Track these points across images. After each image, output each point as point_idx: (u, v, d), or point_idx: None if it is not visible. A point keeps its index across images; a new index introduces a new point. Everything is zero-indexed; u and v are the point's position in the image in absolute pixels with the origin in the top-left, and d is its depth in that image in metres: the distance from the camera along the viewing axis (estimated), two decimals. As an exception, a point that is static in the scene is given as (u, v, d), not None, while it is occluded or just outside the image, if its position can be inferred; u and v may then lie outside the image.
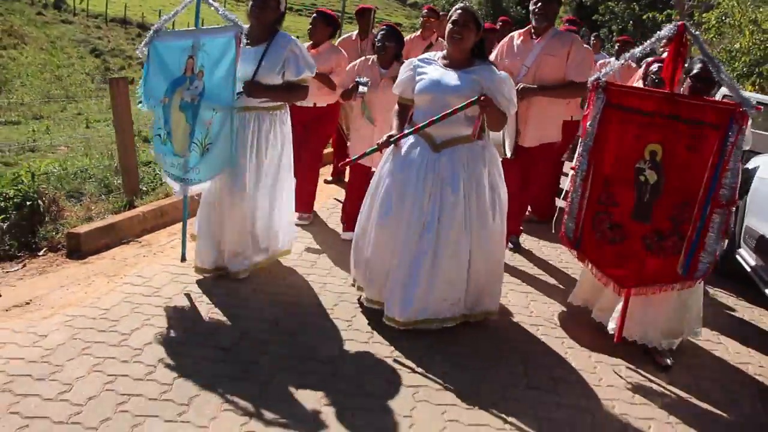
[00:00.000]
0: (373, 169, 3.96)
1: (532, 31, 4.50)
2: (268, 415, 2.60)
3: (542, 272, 4.68)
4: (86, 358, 2.88)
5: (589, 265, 3.54)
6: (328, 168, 6.77)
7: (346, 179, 5.75)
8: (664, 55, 5.41)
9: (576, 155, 3.48)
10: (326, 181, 6.55)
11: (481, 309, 3.60)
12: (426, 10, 6.65)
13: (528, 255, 4.98)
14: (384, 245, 3.46)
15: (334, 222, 5.25)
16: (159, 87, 3.74)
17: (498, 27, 6.78)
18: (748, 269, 4.41)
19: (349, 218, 4.72)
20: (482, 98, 3.19)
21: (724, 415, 3.05)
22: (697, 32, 3.27)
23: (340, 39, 6.20)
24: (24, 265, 3.95)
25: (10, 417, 2.43)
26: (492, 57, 4.52)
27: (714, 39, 12.22)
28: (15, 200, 4.33)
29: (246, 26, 3.63)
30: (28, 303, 3.42)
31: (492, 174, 3.48)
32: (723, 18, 12.02)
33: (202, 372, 2.85)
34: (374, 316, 3.54)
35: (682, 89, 3.39)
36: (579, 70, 4.31)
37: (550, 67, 4.37)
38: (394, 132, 3.45)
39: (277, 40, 3.74)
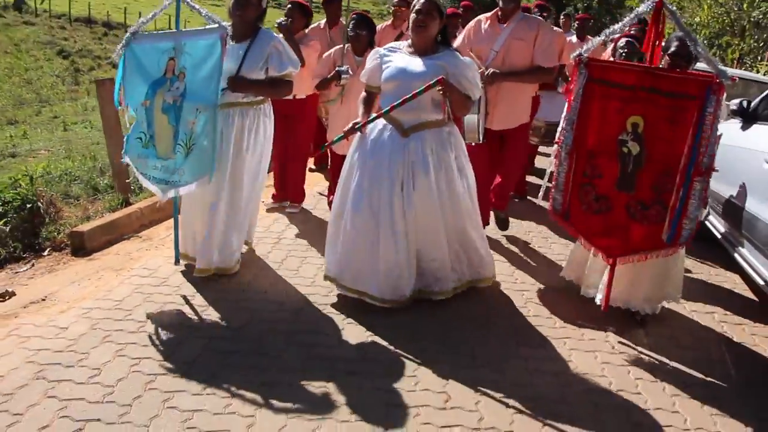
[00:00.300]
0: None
1: (499, 14, 4.45)
2: (283, 379, 2.84)
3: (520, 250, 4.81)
4: (109, 345, 3.08)
5: (579, 236, 3.67)
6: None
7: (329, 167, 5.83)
8: (632, 31, 5.59)
9: (560, 129, 3.57)
10: (310, 170, 6.57)
11: (478, 276, 3.78)
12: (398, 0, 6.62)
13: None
14: (361, 232, 3.51)
15: (322, 210, 5.35)
16: (138, 90, 3.73)
17: (461, 12, 6.82)
18: (719, 235, 4.51)
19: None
20: (440, 80, 3.25)
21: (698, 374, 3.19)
22: (674, 8, 3.38)
23: (308, 28, 6.20)
24: (32, 265, 4.10)
25: (49, 401, 2.62)
26: (459, 41, 4.56)
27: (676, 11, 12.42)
28: (14, 203, 4.44)
29: (228, 25, 3.65)
30: (43, 299, 3.57)
31: (459, 158, 3.60)
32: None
33: (220, 349, 3.07)
34: (351, 301, 3.62)
35: (662, 65, 3.49)
36: (546, 55, 4.35)
37: (518, 51, 4.36)
38: (358, 119, 3.51)
39: (260, 37, 3.78)
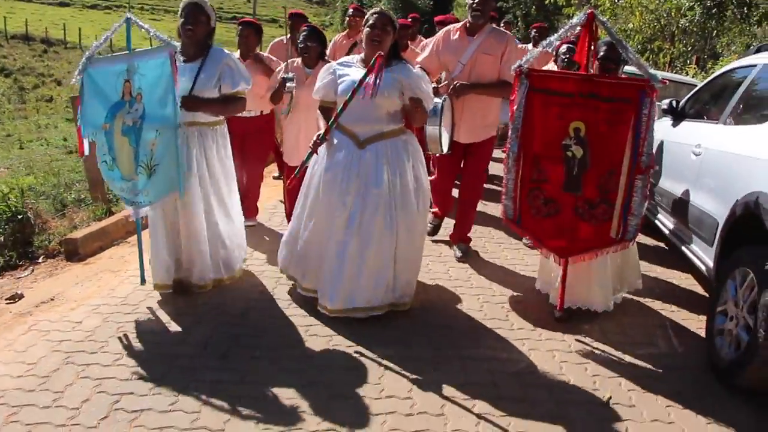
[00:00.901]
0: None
1: (467, 26, 4.42)
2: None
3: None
4: (123, 334, 3.36)
5: (531, 239, 3.77)
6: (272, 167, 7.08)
7: None
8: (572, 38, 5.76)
9: (508, 138, 3.67)
10: (274, 177, 6.86)
11: (406, 299, 3.72)
12: (352, 10, 6.72)
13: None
14: (314, 240, 3.59)
15: (276, 222, 5.38)
16: (97, 114, 3.69)
17: (410, 23, 6.92)
18: (667, 232, 4.68)
19: (289, 215, 4.77)
20: (378, 56, 3.28)
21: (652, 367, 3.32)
22: (605, 18, 3.51)
23: (271, 43, 6.23)
24: (32, 271, 4.33)
25: (83, 380, 2.89)
26: (427, 51, 4.59)
27: (609, 20, 12.89)
28: (6, 215, 4.65)
29: (178, 44, 3.63)
30: (52, 299, 3.81)
31: (416, 167, 3.63)
32: (616, 1, 12.69)
33: (227, 333, 3.38)
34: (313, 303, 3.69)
35: (592, 71, 3.62)
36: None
37: (485, 65, 4.35)
38: (321, 132, 3.53)
39: (211, 55, 3.77)
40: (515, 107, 3.57)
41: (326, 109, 3.66)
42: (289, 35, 5.91)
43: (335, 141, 3.54)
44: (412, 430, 2.61)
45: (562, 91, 3.50)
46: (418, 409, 2.75)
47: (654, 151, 3.53)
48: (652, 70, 3.48)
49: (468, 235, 4.85)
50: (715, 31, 10.05)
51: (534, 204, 3.64)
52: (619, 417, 2.79)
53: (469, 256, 4.72)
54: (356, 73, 3.50)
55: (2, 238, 4.49)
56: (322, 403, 2.76)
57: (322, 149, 3.55)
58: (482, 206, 5.63)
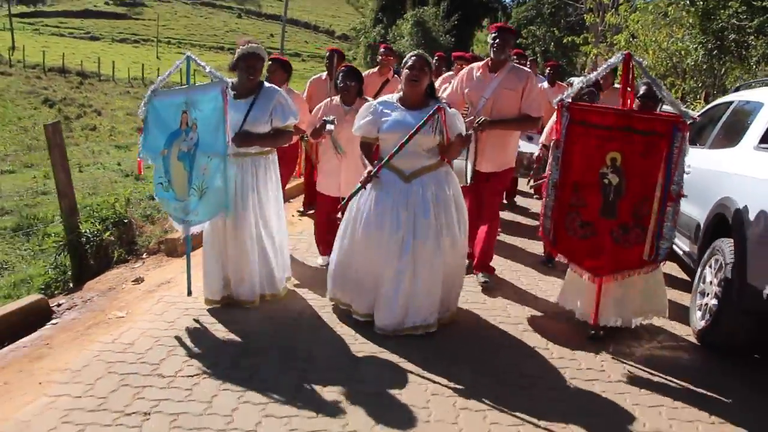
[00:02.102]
0: (341, 197, 4.27)
1: (490, 64, 4.60)
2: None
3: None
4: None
5: (566, 260, 3.95)
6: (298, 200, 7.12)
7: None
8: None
9: (548, 165, 3.88)
10: (300, 213, 6.71)
11: (449, 312, 3.93)
12: (383, 49, 6.89)
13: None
14: (368, 269, 3.77)
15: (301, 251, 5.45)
16: (158, 141, 3.97)
17: (435, 63, 7.11)
18: (681, 253, 4.86)
19: (320, 243, 4.97)
20: (438, 108, 3.56)
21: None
22: (642, 60, 3.75)
23: (310, 80, 6.37)
24: (143, 263, 5.11)
25: (212, 337, 3.63)
26: (451, 88, 4.80)
27: (624, 56, 13.21)
28: (114, 220, 5.32)
29: (231, 80, 3.89)
30: (168, 282, 4.55)
31: (456, 195, 3.85)
32: (631, 39, 12.99)
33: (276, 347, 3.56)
34: (366, 326, 3.82)
35: (634, 107, 3.85)
36: (534, 105, 4.50)
37: (507, 100, 4.49)
38: (370, 168, 3.73)
39: (264, 92, 4.01)
40: (558, 137, 3.78)
41: (367, 145, 3.88)
42: (326, 72, 6.16)
43: (382, 177, 3.73)
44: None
45: (600, 123, 3.71)
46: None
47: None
48: (684, 108, 3.70)
49: (491, 264, 4.83)
50: (723, 69, 10.31)
51: (571, 226, 3.83)
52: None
53: (491, 285, 4.68)
54: (398, 113, 3.72)
55: (114, 238, 5.23)
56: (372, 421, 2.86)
57: (370, 185, 3.75)
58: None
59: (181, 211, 3.93)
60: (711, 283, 3.93)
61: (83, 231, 4.91)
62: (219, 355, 3.41)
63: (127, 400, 2.90)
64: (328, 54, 6.28)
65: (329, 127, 4.53)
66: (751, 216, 3.59)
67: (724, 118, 4.93)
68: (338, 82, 4.78)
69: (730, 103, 5.03)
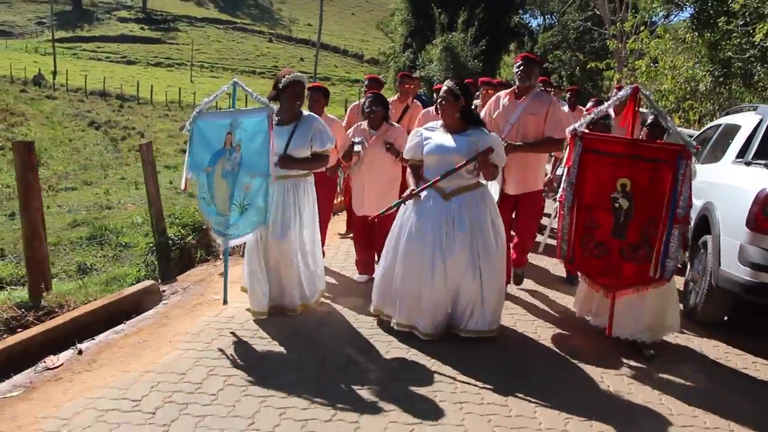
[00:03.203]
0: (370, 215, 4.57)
1: (516, 91, 4.86)
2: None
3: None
4: None
5: (582, 276, 4.26)
6: (339, 224, 7.42)
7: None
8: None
9: (561, 190, 4.21)
10: (341, 235, 7.01)
11: (494, 326, 4.20)
12: (401, 77, 7.07)
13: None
14: (411, 279, 4.06)
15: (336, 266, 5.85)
16: (203, 158, 4.24)
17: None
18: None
19: (360, 263, 5.31)
20: (480, 156, 3.91)
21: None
22: (648, 93, 4.08)
23: (351, 106, 6.60)
24: (223, 261, 5.04)
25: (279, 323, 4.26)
26: (483, 114, 5.05)
27: (646, 81, 13.49)
28: (192, 226, 6.01)
29: (275, 108, 4.27)
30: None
31: (492, 213, 4.17)
32: (651, 64, 13.29)
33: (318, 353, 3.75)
34: (405, 336, 4.11)
35: (641, 136, 4.17)
36: (556, 128, 4.69)
37: (531, 124, 4.75)
38: (413, 187, 4.13)
39: (304, 120, 4.38)
40: (571, 165, 4.11)
41: (415, 167, 4.26)
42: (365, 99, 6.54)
43: (424, 194, 4.10)
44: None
45: (611, 151, 4.03)
46: None
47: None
48: (687, 138, 4.02)
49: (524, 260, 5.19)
50: (729, 94, 10.66)
51: (587, 246, 4.13)
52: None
53: (522, 279, 5.21)
54: (438, 137, 4.12)
55: (194, 241, 5.97)
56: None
57: (411, 201, 4.14)
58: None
59: (222, 225, 4.23)
60: (698, 272, 4.86)
61: (169, 235, 5.63)
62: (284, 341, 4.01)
63: (238, 352, 3.80)
64: (367, 82, 6.59)
65: (357, 148, 4.87)
66: (722, 216, 4.56)
67: (713, 138, 5.86)
68: (365, 108, 5.11)
69: (719, 125, 5.97)
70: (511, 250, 5.00)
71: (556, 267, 6.06)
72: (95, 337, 4.02)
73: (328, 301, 4.79)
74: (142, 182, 11.51)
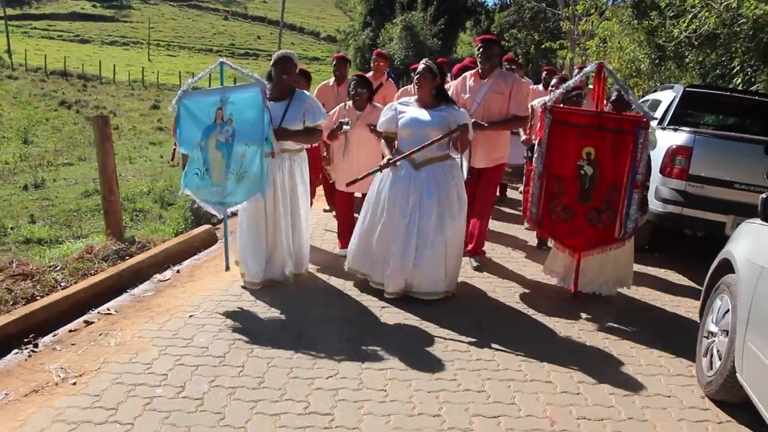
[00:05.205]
0: (356, 194, 4.74)
1: (480, 72, 5.07)
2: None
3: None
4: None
5: (550, 238, 4.56)
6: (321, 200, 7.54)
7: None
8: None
9: (533, 159, 4.47)
10: (325, 210, 7.15)
11: (453, 287, 4.46)
12: (375, 55, 7.23)
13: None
14: (382, 242, 4.33)
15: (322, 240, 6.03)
16: (193, 135, 4.32)
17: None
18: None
19: (343, 236, 5.39)
20: (462, 127, 4.16)
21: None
22: (611, 67, 4.36)
23: (318, 86, 6.66)
24: None
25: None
26: (451, 93, 5.17)
27: (596, 60, 14.04)
28: None
29: (268, 84, 4.33)
30: None
31: (458, 185, 4.41)
32: (601, 44, 13.79)
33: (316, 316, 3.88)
34: (394, 299, 4.34)
35: (607, 109, 4.46)
36: (520, 105, 4.96)
37: (496, 103, 4.96)
38: (389, 156, 4.33)
39: (297, 96, 4.47)
40: (541, 135, 4.37)
41: (389, 139, 4.47)
42: (334, 78, 6.50)
43: (399, 164, 4.32)
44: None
45: (577, 123, 4.32)
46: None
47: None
48: (646, 109, 4.33)
49: (483, 249, 5.37)
50: (667, 73, 11.51)
51: (554, 210, 4.42)
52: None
53: (483, 267, 5.20)
54: (412, 111, 4.33)
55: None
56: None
57: (387, 171, 4.34)
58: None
59: (219, 195, 4.31)
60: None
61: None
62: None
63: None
64: (335, 61, 6.63)
65: (345, 128, 4.97)
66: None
67: (645, 108, 6.43)
68: (350, 89, 5.24)
69: (648, 100, 7.20)
70: (471, 225, 5.16)
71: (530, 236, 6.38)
72: (182, 263, 5.15)
73: (316, 272, 4.97)
74: (135, 157, 11.71)
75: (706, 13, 8.83)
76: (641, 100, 7.03)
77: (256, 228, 4.45)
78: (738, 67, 8.73)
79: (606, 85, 4.46)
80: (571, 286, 4.54)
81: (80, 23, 73.23)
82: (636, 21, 11.56)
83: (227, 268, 4.61)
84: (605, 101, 4.51)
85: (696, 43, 9.57)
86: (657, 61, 11.29)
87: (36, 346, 3.48)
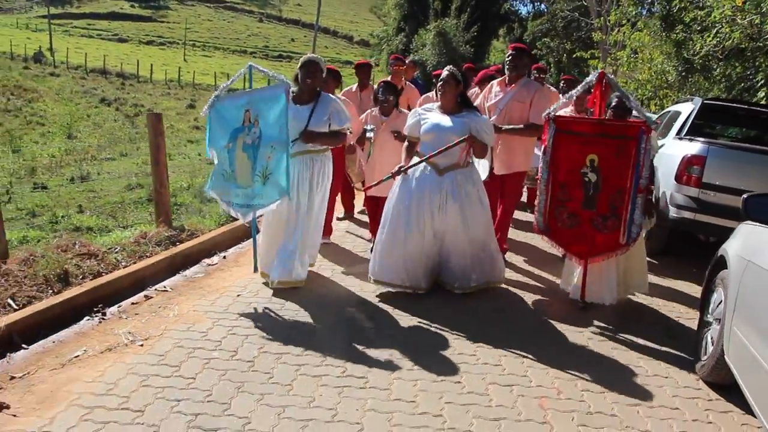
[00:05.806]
0: (383, 196, 4.88)
1: (506, 79, 5.21)
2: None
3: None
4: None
5: (556, 246, 4.65)
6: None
7: (355, 215, 7.11)
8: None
9: (539, 168, 4.63)
10: (338, 219, 6.95)
11: (492, 279, 4.71)
12: (393, 59, 7.17)
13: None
14: (412, 244, 4.47)
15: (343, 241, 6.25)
16: (222, 137, 4.51)
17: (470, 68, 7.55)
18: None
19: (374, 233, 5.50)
20: (468, 137, 4.36)
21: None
22: (612, 76, 4.53)
23: (342, 92, 6.61)
24: None
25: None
26: (478, 101, 5.40)
27: (627, 71, 14.09)
28: None
29: (293, 87, 4.41)
30: None
31: (479, 189, 4.62)
32: (632, 55, 13.86)
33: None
34: (410, 296, 4.54)
35: (607, 116, 4.61)
36: (539, 114, 4.84)
37: (516, 111, 5.11)
38: (402, 164, 4.55)
39: (322, 99, 4.56)
40: (546, 145, 4.50)
41: (411, 143, 4.66)
42: (357, 84, 6.55)
43: (423, 168, 4.49)
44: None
45: (581, 131, 4.45)
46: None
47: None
48: (648, 114, 4.47)
49: (504, 246, 5.48)
50: (695, 87, 11.61)
51: (560, 217, 4.53)
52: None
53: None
54: (435, 117, 4.51)
55: None
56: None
57: (410, 174, 4.50)
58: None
59: (245, 197, 4.44)
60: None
61: None
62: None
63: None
64: (359, 67, 6.71)
65: (369, 134, 5.21)
66: (661, 175, 6.02)
67: (665, 120, 7.37)
68: (378, 95, 5.40)
69: (669, 111, 7.70)
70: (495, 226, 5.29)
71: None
72: (228, 249, 5.64)
73: (341, 273, 5.14)
74: (175, 154, 12.28)
75: (728, 29, 8.94)
76: (663, 112, 7.35)
77: (275, 225, 4.60)
78: (762, 81, 8.77)
79: (610, 93, 4.62)
80: (578, 295, 4.59)
81: (119, 23, 75.07)
82: (664, 33, 11.72)
83: (255, 270, 4.82)
84: (606, 108, 4.64)
85: (722, 56, 9.65)
86: (684, 74, 11.46)
87: (104, 314, 4.02)
